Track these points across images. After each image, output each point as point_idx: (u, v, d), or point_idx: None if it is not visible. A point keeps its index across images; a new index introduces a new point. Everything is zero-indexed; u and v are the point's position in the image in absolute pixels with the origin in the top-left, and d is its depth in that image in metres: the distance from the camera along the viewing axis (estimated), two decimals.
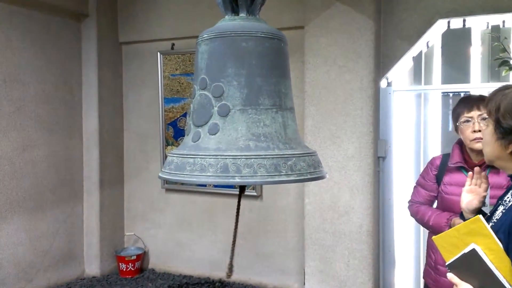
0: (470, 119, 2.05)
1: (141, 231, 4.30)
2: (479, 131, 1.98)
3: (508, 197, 1.35)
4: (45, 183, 3.73)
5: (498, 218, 1.33)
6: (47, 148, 3.74)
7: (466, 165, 2.11)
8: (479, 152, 1.98)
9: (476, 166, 1.99)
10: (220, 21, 1.24)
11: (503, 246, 1.22)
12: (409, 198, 2.39)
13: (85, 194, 4.08)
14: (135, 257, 4.10)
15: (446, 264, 1.33)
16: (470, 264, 1.25)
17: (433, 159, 2.35)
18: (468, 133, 2.06)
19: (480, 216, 1.28)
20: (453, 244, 1.30)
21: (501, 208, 1.35)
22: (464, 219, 1.67)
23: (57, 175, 3.83)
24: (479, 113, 2.03)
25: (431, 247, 2.27)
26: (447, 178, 2.18)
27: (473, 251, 1.23)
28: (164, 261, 4.23)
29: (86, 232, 4.10)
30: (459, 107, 2.13)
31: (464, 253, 1.25)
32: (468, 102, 2.10)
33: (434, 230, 2.16)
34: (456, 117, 2.13)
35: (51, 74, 3.76)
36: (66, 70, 3.90)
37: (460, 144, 2.17)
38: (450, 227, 2.01)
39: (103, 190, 4.09)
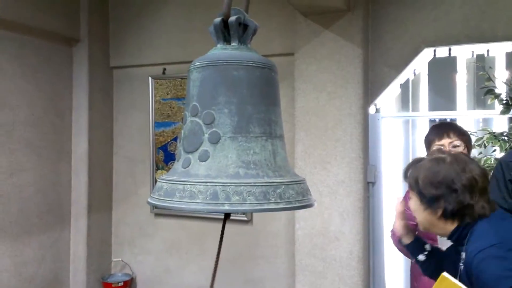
0: (441, 147, 2.08)
1: (129, 257, 4.23)
2: None
3: (462, 254, 1.45)
4: (33, 207, 3.68)
5: (461, 273, 1.44)
6: (35, 172, 3.70)
7: None
8: None
9: None
10: (212, 50, 1.26)
11: None
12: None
13: (73, 219, 4.02)
14: (122, 283, 4.02)
15: None
16: None
17: None
18: None
19: (445, 273, 1.31)
20: None
21: (461, 265, 1.45)
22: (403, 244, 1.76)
23: (45, 199, 3.78)
24: (449, 140, 2.07)
25: (414, 277, 2.27)
26: None
27: None
28: None
29: (72, 258, 4.02)
30: (431, 135, 2.17)
31: None
32: (438, 130, 2.14)
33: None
34: (428, 145, 2.17)
35: (41, 98, 3.75)
36: (56, 94, 3.89)
37: None
38: None
39: (91, 214, 4.03)
